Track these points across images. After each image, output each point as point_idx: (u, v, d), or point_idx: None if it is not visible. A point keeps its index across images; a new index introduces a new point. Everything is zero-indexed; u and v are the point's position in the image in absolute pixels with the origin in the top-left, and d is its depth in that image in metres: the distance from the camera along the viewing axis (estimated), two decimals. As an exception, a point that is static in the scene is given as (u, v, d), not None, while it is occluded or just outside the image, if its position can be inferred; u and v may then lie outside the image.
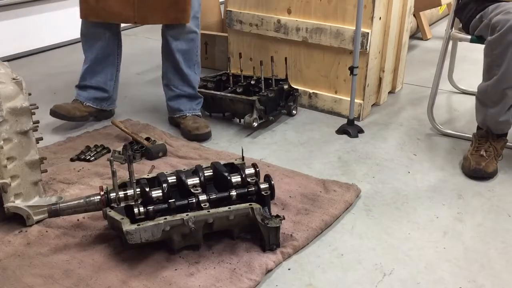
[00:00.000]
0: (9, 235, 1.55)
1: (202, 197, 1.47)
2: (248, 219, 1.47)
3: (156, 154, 1.99)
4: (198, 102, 2.29)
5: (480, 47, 1.91)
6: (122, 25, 2.31)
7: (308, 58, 2.48)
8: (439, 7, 3.91)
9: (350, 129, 2.26)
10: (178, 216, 1.40)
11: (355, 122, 2.31)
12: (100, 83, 2.28)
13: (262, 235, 1.46)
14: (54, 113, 2.21)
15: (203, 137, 2.19)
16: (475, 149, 1.96)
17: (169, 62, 2.21)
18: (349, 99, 2.29)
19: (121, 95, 2.54)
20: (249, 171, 1.57)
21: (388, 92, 2.69)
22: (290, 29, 2.44)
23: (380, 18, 2.33)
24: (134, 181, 1.47)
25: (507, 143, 1.99)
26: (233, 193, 1.50)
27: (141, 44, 3.62)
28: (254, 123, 2.20)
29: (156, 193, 1.46)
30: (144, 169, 1.92)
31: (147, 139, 2.10)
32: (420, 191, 1.84)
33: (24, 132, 1.55)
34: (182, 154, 2.04)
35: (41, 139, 1.66)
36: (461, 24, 2.15)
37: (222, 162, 1.62)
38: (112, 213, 1.42)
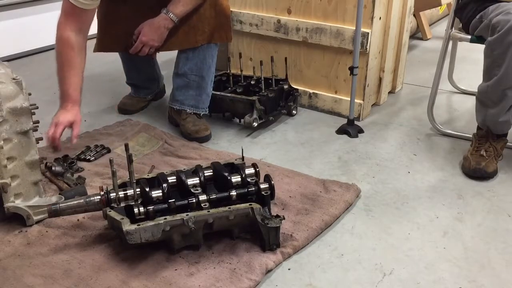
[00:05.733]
0: (9, 235, 1.55)
1: (202, 197, 1.47)
2: (248, 219, 1.47)
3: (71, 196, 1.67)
4: (204, 100, 2.22)
5: (480, 47, 1.91)
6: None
7: (308, 58, 2.48)
8: (439, 7, 3.91)
9: (350, 129, 2.26)
10: (178, 216, 1.40)
11: (355, 122, 2.31)
12: (142, 81, 2.49)
13: (262, 235, 1.46)
14: (123, 110, 2.47)
15: (203, 140, 2.18)
16: (475, 149, 1.96)
17: (188, 51, 2.14)
18: (349, 99, 2.29)
19: (121, 94, 2.54)
20: (249, 171, 1.57)
21: (388, 92, 2.69)
22: (290, 29, 2.44)
23: (380, 18, 2.33)
24: (134, 181, 1.47)
25: (507, 143, 1.99)
26: (233, 193, 1.49)
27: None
28: (254, 123, 2.19)
29: (156, 193, 1.46)
30: (144, 169, 1.92)
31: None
32: (420, 191, 1.84)
33: (24, 132, 1.55)
34: (182, 154, 2.04)
35: (41, 139, 1.66)
36: (461, 24, 2.15)
37: (222, 162, 1.62)
38: (112, 213, 1.42)
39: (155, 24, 2.02)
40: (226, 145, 2.17)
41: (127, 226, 1.36)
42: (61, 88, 1.91)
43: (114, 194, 1.47)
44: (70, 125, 1.86)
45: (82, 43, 1.91)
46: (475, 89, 1.98)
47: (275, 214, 1.51)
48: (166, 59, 2.27)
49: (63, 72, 1.89)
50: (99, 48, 2.24)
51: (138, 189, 1.47)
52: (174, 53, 2.20)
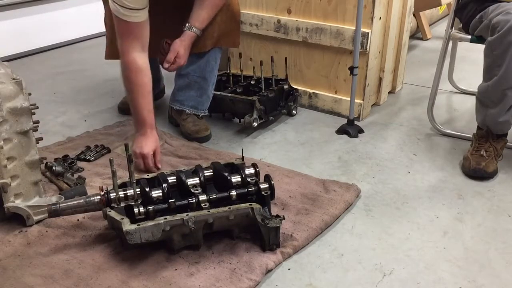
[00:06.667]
0: (9, 235, 1.55)
1: (202, 197, 1.47)
2: (248, 219, 1.47)
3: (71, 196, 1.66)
4: (204, 102, 2.22)
5: (480, 47, 1.91)
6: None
7: (308, 58, 2.48)
8: (439, 7, 3.91)
9: (350, 129, 2.26)
10: (178, 216, 1.40)
11: (355, 122, 2.31)
12: None
13: (262, 235, 1.46)
14: (123, 110, 2.41)
15: (203, 140, 2.18)
16: (475, 149, 1.96)
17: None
18: (349, 99, 2.29)
19: (121, 95, 2.54)
20: (249, 171, 1.57)
21: (388, 92, 2.69)
22: (290, 29, 2.44)
23: (380, 18, 2.33)
24: (134, 181, 1.47)
25: (507, 143, 1.99)
26: (233, 193, 1.49)
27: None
28: (254, 123, 2.19)
29: (156, 193, 1.46)
30: (144, 169, 1.92)
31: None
32: (420, 191, 1.84)
33: (24, 132, 1.55)
34: (182, 154, 2.05)
35: (41, 139, 1.66)
36: (461, 24, 2.15)
37: (222, 162, 1.62)
38: (112, 213, 1.42)
39: (187, 45, 2.01)
40: (226, 145, 2.17)
41: (127, 226, 1.36)
42: (134, 112, 1.91)
43: (114, 194, 1.47)
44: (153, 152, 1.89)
45: (146, 61, 1.88)
46: (475, 89, 1.98)
47: (275, 214, 1.51)
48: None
49: (135, 97, 1.88)
50: (112, 55, 2.18)
51: (138, 189, 1.48)
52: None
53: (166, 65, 2.02)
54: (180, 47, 2.00)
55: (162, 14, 2.06)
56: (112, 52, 2.15)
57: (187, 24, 2.01)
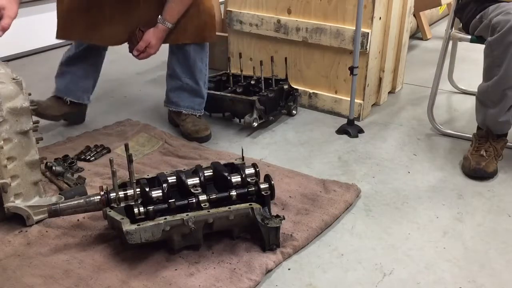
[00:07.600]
0: (9, 235, 1.55)
1: (202, 197, 1.47)
2: (248, 219, 1.47)
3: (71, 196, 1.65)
4: (200, 102, 2.23)
5: (480, 47, 1.91)
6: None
7: (308, 58, 2.48)
8: (439, 7, 3.91)
9: (350, 129, 2.26)
10: (178, 216, 1.40)
11: (355, 122, 2.31)
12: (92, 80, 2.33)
13: (262, 235, 1.46)
14: (41, 115, 2.14)
15: (203, 140, 2.18)
16: (475, 149, 1.96)
17: (178, 51, 2.14)
18: (349, 99, 2.29)
19: (121, 95, 2.55)
20: (249, 171, 1.57)
21: (388, 92, 2.69)
22: (290, 29, 2.44)
23: (380, 18, 2.33)
24: (134, 181, 1.47)
25: (507, 143, 2.00)
26: (233, 193, 1.50)
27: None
28: (254, 123, 2.19)
29: (156, 193, 1.46)
30: (144, 169, 1.92)
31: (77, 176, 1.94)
32: (420, 191, 1.84)
33: (24, 132, 1.55)
34: (182, 154, 2.05)
35: (41, 139, 1.66)
36: (461, 24, 2.15)
37: (222, 162, 1.62)
38: (112, 213, 1.42)
39: (159, 37, 2.01)
40: (226, 145, 2.17)
41: (127, 226, 1.36)
42: None
43: (114, 194, 1.47)
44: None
45: None
46: (475, 89, 1.98)
47: (275, 214, 1.51)
48: (165, 59, 2.27)
49: None
50: (66, 35, 2.14)
51: (138, 189, 1.48)
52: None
53: (136, 53, 2.02)
54: (153, 37, 2.00)
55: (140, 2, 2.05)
56: (69, 32, 2.11)
57: (159, 17, 2.01)
